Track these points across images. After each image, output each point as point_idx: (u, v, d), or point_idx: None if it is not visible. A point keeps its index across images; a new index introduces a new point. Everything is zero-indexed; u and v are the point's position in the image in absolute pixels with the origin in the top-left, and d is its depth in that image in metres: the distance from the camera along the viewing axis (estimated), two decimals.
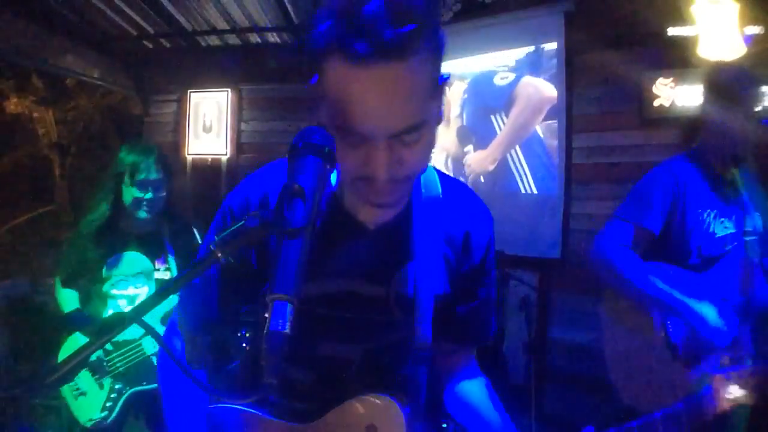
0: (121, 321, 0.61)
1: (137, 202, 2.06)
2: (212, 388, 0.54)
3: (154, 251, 2.13)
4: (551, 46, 3.35)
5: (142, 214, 2.07)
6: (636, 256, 1.73)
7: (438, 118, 0.78)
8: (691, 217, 1.74)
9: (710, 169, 1.79)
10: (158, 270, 2.11)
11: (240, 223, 0.60)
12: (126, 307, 2.06)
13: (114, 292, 2.06)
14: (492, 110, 3.62)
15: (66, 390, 1.98)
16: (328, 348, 0.88)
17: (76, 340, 2.04)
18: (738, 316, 1.68)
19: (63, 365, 0.59)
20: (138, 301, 2.03)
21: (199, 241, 2.23)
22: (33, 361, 2.19)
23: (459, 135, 3.74)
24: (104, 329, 0.60)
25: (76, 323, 2.04)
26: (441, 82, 0.77)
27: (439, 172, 0.99)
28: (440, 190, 0.94)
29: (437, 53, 0.72)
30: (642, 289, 1.68)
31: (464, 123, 3.77)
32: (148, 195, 2.06)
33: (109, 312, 2.06)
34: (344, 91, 0.68)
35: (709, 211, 1.75)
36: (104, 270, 2.06)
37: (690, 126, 1.93)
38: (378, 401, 0.82)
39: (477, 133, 3.70)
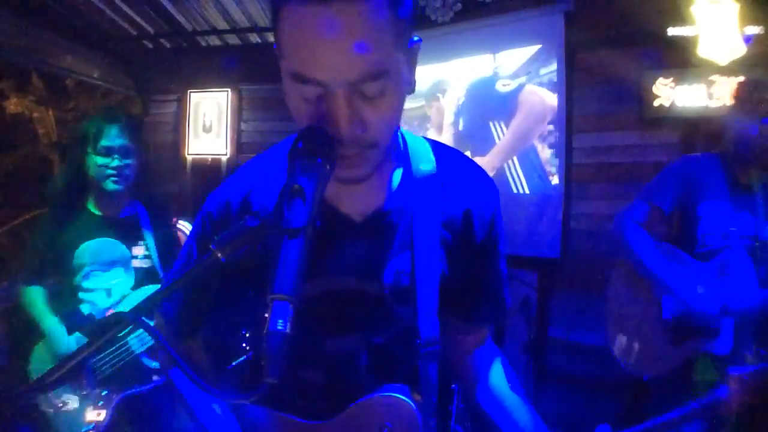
0: (118, 321, 0.61)
1: (102, 171, 1.84)
2: (212, 388, 0.54)
3: (131, 235, 1.91)
4: (551, 46, 3.35)
5: (110, 185, 1.85)
6: (644, 232, 1.89)
7: (407, 83, 0.74)
8: (701, 207, 1.84)
9: (730, 172, 1.87)
10: (136, 257, 1.90)
11: (240, 223, 0.60)
12: (103, 301, 1.87)
13: (86, 285, 1.86)
14: (491, 117, 3.61)
15: (46, 404, 1.79)
16: (334, 345, 0.86)
17: (47, 345, 1.89)
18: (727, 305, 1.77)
19: (62, 366, 0.59)
20: (114, 293, 1.86)
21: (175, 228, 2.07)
22: (32, 362, 2.17)
23: (455, 141, 3.73)
24: (100, 330, 0.60)
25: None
26: (411, 44, 0.74)
27: (432, 142, 0.93)
28: (434, 165, 0.88)
29: (400, 3, 0.69)
30: (642, 259, 1.85)
31: (460, 129, 3.76)
32: (114, 162, 1.84)
33: (85, 308, 1.87)
34: (299, 33, 0.66)
35: (718, 204, 1.82)
36: (73, 260, 1.85)
37: (717, 131, 2.02)
38: (392, 401, 0.81)
39: (474, 139, 3.69)
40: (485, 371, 0.98)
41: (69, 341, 1.79)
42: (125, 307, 1.80)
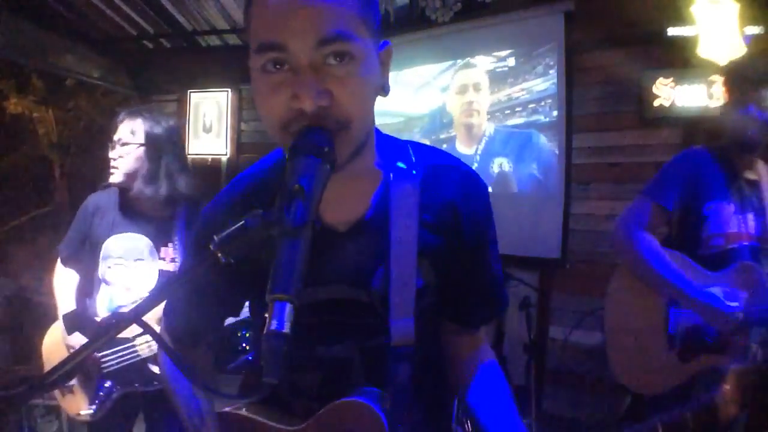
0: (120, 321, 0.61)
1: (108, 164, 1.85)
2: (211, 388, 0.54)
3: (161, 237, 1.89)
4: (551, 46, 3.35)
5: (110, 178, 1.85)
6: (652, 239, 1.78)
7: (377, 74, 0.75)
8: (706, 205, 1.77)
9: (733, 167, 1.80)
10: (163, 260, 1.88)
11: (240, 223, 0.60)
12: (119, 297, 1.87)
13: (109, 277, 1.85)
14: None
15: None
16: (325, 352, 0.87)
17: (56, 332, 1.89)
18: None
19: (63, 365, 0.59)
20: (133, 293, 1.86)
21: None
22: (33, 361, 2.16)
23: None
24: (103, 329, 0.60)
25: (75, 324, 1.95)
26: (382, 44, 0.76)
27: (412, 143, 0.92)
28: (414, 167, 0.87)
29: None
30: (654, 269, 1.74)
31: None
32: (113, 153, 1.84)
33: (102, 301, 1.88)
34: (262, 3, 0.69)
35: (724, 204, 1.76)
36: (103, 249, 1.85)
37: (714, 125, 1.97)
38: (357, 406, 0.79)
39: None
40: (475, 375, 0.96)
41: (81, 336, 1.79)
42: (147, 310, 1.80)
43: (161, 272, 1.88)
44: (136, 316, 0.60)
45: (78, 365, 0.60)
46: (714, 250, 1.76)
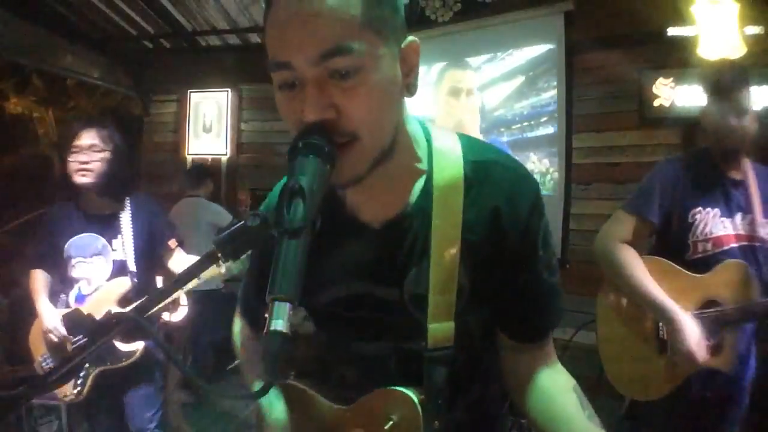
0: (120, 321, 0.61)
1: (72, 167, 2.04)
2: (211, 387, 0.54)
3: (111, 230, 2.13)
4: (551, 46, 3.35)
5: (81, 178, 2.04)
6: (635, 255, 1.76)
7: (393, 78, 0.71)
8: (689, 213, 1.75)
9: (716, 169, 1.79)
10: (115, 251, 2.12)
11: (240, 223, 0.60)
12: (84, 289, 2.09)
13: (74, 275, 2.09)
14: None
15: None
16: (359, 349, 0.87)
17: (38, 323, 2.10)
18: (727, 324, 1.67)
19: (62, 366, 0.59)
20: (94, 284, 2.08)
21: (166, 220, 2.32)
22: (32, 361, 2.19)
23: None
24: (102, 329, 0.60)
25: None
26: (402, 41, 0.72)
27: (465, 138, 0.86)
28: (461, 166, 0.82)
29: None
30: (635, 287, 1.73)
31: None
32: (82, 157, 2.05)
33: (72, 295, 2.09)
34: (275, 20, 0.67)
35: (709, 209, 1.75)
36: (65, 251, 2.08)
37: (697, 126, 1.94)
38: (398, 395, 0.81)
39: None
40: (547, 396, 0.88)
41: (56, 319, 2.03)
42: (99, 294, 2.05)
43: (114, 262, 2.11)
44: (136, 314, 0.60)
45: (78, 365, 0.60)
46: (702, 255, 1.74)
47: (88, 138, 2.08)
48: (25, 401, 0.55)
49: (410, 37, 0.73)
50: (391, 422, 0.81)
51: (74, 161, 2.05)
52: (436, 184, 0.82)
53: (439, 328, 0.81)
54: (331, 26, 0.64)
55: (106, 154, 2.09)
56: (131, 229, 2.16)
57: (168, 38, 4.62)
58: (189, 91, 4.71)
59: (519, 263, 0.83)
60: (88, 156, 2.05)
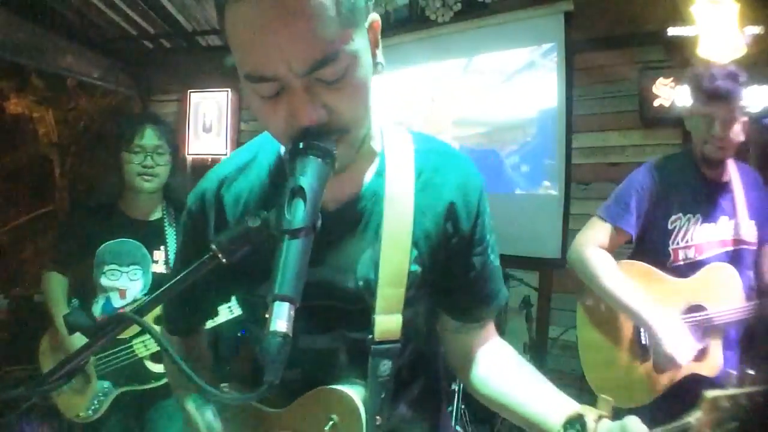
0: (120, 321, 0.61)
1: (134, 169, 1.87)
2: (210, 387, 0.54)
3: (154, 239, 1.93)
4: (551, 46, 3.35)
5: (144, 183, 1.88)
6: (610, 259, 1.70)
7: (370, 64, 0.70)
8: (668, 220, 1.70)
9: (698, 172, 1.73)
10: (156, 262, 1.92)
11: (242, 225, 0.60)
12: (114, 301, 1.89)
13: (104, 283, 1.88)
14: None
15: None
16: (308, 342, 0.84)
17: (51, 333, 1.91)
18: (710, 329, 1.63)
19: (63, 366, 0.59)
20: (128, 297, 1.89)
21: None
22: (32, 362, 2.16)
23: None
24: (103, 330, 0.60)
25: (76, 324, 1.97)
26: (369, 23, 0.70)
27: (415, 133, 0.89)
28: (413, 157, 0.84)
29: None
30: (610, 292, 1.66)
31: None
32: (147, 160, 1.88)
33: (98, 306, 1.91)
34: (243, 32, 0.62)
35: (690, 216, 1.70)
36: (95, 257, 1.88)
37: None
38: (339, 394, 0.79)
39: None
40: (493, 368, 0.93)
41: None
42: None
43: (154, 275, 1.91)
44: (137, 316, 0.60)
45: (78, 366, 0.60)
46: (683, 262, 1.70)
47: (153, 138, 1.89)
48: (25, 401, 0.55)
49: (371, 14, 0.71)
50: (331, 422, 0.79)
51: (137, 164, 1.87)
52: (388, 165, 0.83)
53: (386, 321, 0.80)
54: (314, 31, 0.61)
55: (170, 158, 1.94)
56: (175, 239, 1.93)
57: (168, 38, 4.61)
58: (189, 91, 4.71)
59: (470, 247, 0.86)
60: (153, 159, 1.88)
